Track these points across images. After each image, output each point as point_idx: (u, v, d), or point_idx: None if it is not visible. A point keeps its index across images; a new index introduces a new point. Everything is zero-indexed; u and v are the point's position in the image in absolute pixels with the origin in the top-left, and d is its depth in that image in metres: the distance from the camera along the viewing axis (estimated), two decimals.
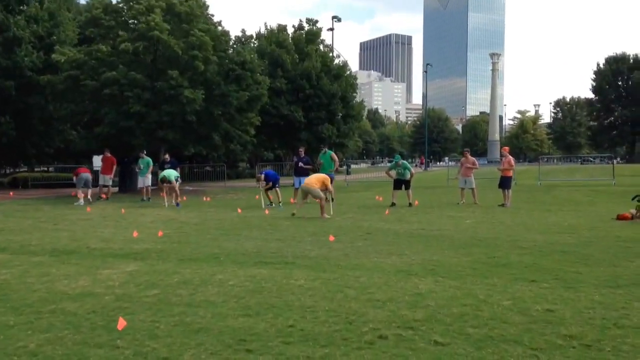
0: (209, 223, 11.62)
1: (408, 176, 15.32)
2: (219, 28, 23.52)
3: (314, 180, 12.69)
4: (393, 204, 15.12)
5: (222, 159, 43.07)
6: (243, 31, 28.96)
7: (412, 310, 4.72)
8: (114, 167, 19.31)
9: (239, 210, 13.76)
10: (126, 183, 23.09)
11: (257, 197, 16.40)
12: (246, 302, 5.02)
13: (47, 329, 4.21)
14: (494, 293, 5.31)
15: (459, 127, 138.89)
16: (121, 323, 4.13)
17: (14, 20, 24.23)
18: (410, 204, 15.08)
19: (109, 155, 19.11)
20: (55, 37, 25.25)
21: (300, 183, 16.84)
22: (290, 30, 36.74)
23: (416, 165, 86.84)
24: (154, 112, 19.99)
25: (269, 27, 37.93)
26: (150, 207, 15.79)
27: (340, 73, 34.73)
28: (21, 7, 25.91)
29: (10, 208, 15.95)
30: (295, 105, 32.64)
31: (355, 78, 36.85)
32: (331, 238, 8.71)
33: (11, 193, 22.31)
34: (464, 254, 7.58)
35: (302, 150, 17.53)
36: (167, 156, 18.18)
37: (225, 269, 6.59)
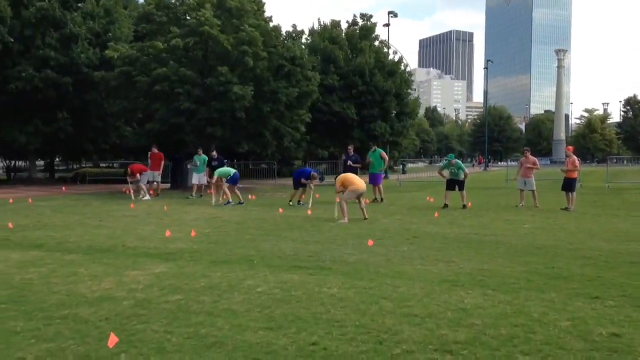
0: (250, 222, 11.36)
1: (462, 176, 14.61)
2: (270, 24, 23.34)
3: (340, 181, 12.13)
4: (445, 206, 14.45)
5: (277, 157, 43.10)
6: (294, 26, 28.57)
7: (453, 329, 4.21)
8: (162, 164, 19.44)
9: (280, 210, 13.43)
10: (177, 180, 23.30)
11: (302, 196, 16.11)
12: (270, 313, 4.64)
13: (53, 337, 3.96)
14: (551, 311, 4.71)
15: (522, 126, 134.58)
16: (112, 340, 3.79)
17: (71, 17, 24.89)
18: (464, 206, 14.38)
19: (156, 151, 19.25)
20: (110, 34, 25.78)
21: None
22: (344, 27, 36.35)
23: (473, 165, 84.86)
24: (203, 108, 20.00)
25: (322, 23, 37.71)
26: (197, 205, 15.73)
27: (394, 69, 34.01)
28: (78, 4, 26.59)
29: (61, 203, 16.27)
30: (348, 102, 32.18)
31: (410, 74, 36.01)
32: (370, 242, 8.20)
33: (64, 188, 22.90)
34: (519, 263, 6.95)
35: (351, 148, 17.07)
36: (214, 153, 18.13)
37: (257, 273, 6.24)
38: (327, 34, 35.08)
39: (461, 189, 14.66)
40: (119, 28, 26.34)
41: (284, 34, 23.42)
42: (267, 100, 21.08)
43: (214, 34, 19.55)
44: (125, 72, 20.32)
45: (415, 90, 38.19)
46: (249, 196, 17.70)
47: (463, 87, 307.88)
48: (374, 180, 16.63)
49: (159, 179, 19.36)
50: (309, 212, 13.30)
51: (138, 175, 17.54)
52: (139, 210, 14.18)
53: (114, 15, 27.43)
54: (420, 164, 66.09)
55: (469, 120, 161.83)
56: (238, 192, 15.91)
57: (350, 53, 34.07)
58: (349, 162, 16.71)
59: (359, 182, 11.84)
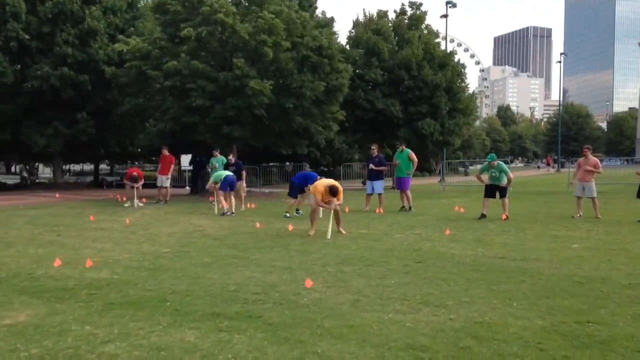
0: (230, 239, 9.72)
1: (504, 181, 12.42)
2: (303, 12, 21.67)
3: (314, 187, 10.22)
4: (482, 216, 12.34)
5: (327, 158, 41.36)
6: (323, 13, 26.83)
7: None
8: (172, 167, 18.19)
9: (257, 225, 11.46)
10: (197, 184, 22.05)
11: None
12: None
13: None
14: None
15: (604, 125, 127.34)
16: None
17: (89, 11, 24.18)
18: (506, 216, 12.23)
19: (167, 153, 18.00)
20: (133, 29, 24.94)
21: (372, 188, 14.61)
22: (392, 17, 34.34)
23: (539, 167, 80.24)
24: (219, 106, 18.60)
25: (367, 14, 35.86)
26: (198, 214, 14.26)
27: (445, 61, 31.64)
28: None
29: (45, 212, 15.05)
30: (393, 98, 30.16)
31: (464, 66, 33.49)
32: (308, 284, 6.02)
33: (57, 195, 21.84)
34: (541, 311, 4.98)
35: (374, 149, 15.16)
36: (231, 157, 16.61)
37: (145, 326, 4.56)
38: (372, 25, 33.23)
39: (503, 195, 12.49)
40: (142, 23, 25.42)
41: (313, 23, 21.61)
42: (290, 96, 19.43)
43: (229, 22, 18.10)
44: (136, 66, 19.21)
45: (468, 84, 35.58)
46: (248, 205, 15.96)
47: (540, 85, 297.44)
48: (401, 185, 14.69)
49: (168, 184, 18.09)
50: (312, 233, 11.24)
51: (126, 181, 16.41)
52: (127, 220, 12.82)
53: (139, 10, 26.62)
54: None
55: (545, 119, 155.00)
56: (232, 201, 14.26)
57: (396, 45, 32.01)
58: (372, 165, 14.82)
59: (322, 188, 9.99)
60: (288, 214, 13.14)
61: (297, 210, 13.52)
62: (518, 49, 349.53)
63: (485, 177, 13.12)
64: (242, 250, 8.40)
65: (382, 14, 34.57)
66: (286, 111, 19.51)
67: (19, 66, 25.03)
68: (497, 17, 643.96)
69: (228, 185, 13.90)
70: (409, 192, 14.56)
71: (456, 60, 33.43)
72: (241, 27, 18.40)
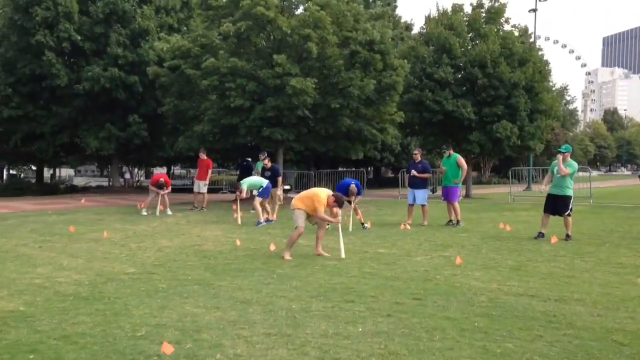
0: (222, 257, 8.54)
1: (566, 190, 10.41)
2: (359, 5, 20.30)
3: (301, 198, 8.66)
4: (540, 235, 10.43)
5: (384, 163, 39.51)
6: (373, 2, 25.20)
7: None
8: (210, 172, 17.31)
9: (272, 247, 10.21)
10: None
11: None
12: None
13: None
14: None
15: None
16: None
17: (141, 11, 24.00)
18: (567, 236, 10.26)
19: (204, 157, 17.16)
20: (186, 28, 24.56)
21: (414, 198, 13.05)
22: (468, 10, 32.15)
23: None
24: (259, 106, 17.59)
25: (441, 9, 33.81)
26: (220, 223, 13.24)
27: (526, 58, 29.08)
28: None
29: (64, 219, 14.56)
30: (464, 99, 28.02)
31: (547, 63, 30.76)
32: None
33: (83, 200, 21.45)
34: None
35: (417, 154, 13.49)
36: (266, 161, 15.45)
37: None
38: (445, 20, 31.26)
39: (562, 211, 10.44)
40: (194, 21, 24.98)
41: (367, 15, 20.15)
42: (337, 95, 18.08)
43: (270, 16, 17.05)
44: (174, 66, 18.58)
45: (553, 83, 32.69)
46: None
47: None
48: (448, 196, 12.97)
49: (205, 190, 17.21)
50: (287, 256, 9.73)
51: (152, 187, 15.60)
52: (143, 228, 11.99)
53: (194, 9, 26.20)
54: (595, 173, 58.05)
55: None
56: (268, 207, 13.29)
57: (469, 41, 29.85)
58: (413, 172, 13.20)
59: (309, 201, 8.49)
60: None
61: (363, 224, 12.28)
62: (630, 49, 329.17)
63: (546, 185, 11.09)
64: (217, 274, 7.19)
65: (458, 8, 32.47)
66: (333, 112, 18.18)
67: (75, 67, 25.31)
68: (606, 16, 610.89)
69: (264, 193, 13.05)
70: (456, 204, 12.81)
71: (540, 55, 30.78)
72: (283, 21, 17.31)
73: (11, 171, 60.01)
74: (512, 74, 27.93)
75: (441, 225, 12.86)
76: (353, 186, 11.84)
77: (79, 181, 54.48)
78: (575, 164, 10.46)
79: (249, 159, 21.54)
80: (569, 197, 10.39)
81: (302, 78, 17.08)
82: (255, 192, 13.83)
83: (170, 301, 5.73)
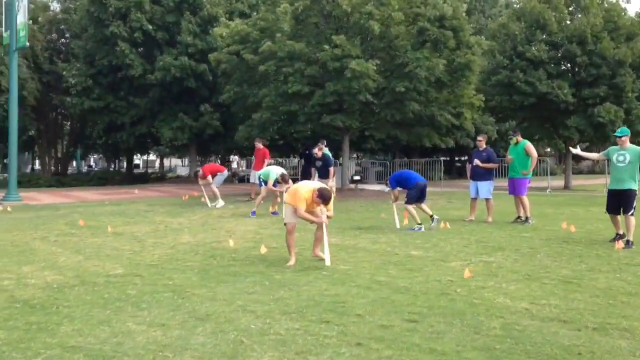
0: (225, 258, 7.78)
1: (632, 184, 8.68)
2: None
3: (289, 192, 7.50)
4: (618, 237, 8.76)
5: (470, 151, 37.05)
6: None
7: None
8: (266, 162, 16.67)
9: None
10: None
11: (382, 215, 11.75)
12: None
13: None
14: None
15: None
16: None
17: None
18: (627, 242, 8.49)
19: (260, 146, 16.53)
20: (256, 13, 24.04)
21: (476, 190, 11.71)
22: None
23: None
24: (319, 91, 16.71)
25: None
26: (259, 216, 12.57)
27: (634, 32, 26.08)
28: None
29: (111, 210, 14.43)
30: (560, 79, 25.58)
31: None
32: None
33: (136, 190, 21.35)
34: None
35: (482, 140, 12.00)
36: (316, 150, 14.56)
37: None
38: None
39: (627, 210, 8.59)
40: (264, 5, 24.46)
41: None
42: (402, 77, 16.80)
43: None
44: (233, 51, 18.09)
45: None
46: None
47: None
48: (515, 189, 11.46)
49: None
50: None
51: (209, 177, 15.04)
52: (181, 221, 11.56)
53: None
54: None
55: None
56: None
57: (568, 14, 27.21)
58: (477, 161, 11.79)
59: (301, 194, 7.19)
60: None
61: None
62: None
63: (597, 155, 9.48)
64: (205, 278, 6.42)
65: None
66: (399, 96, 16.93)
67: (150, 58, 25.66)
68: None
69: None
70: (525, 198, 11.27)
71: None
72: None
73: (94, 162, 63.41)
74: (617, 50, 25.15)
75: (508, 223, 11.41)
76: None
77: (183, 170, 55.66)
78: (637, 150, 8.65)
79: (311, 148, 20.82)
80: (631, 193, 8.56)
81: (363, 60, 16.00)
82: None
83: (118, 314, 5.02)
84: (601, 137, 27.34)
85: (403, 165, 27.17)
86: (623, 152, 8.56)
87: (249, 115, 19.22)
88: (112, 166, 56.53)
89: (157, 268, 7.01)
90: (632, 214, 8.46)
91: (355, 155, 47.34)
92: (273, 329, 4.55)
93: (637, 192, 8.55)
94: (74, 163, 56.86)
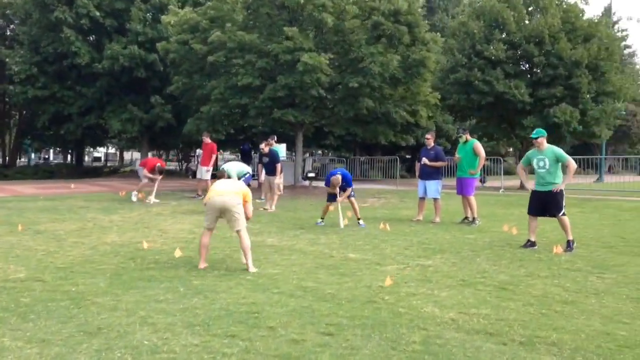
0: (147, 259, 7.27)
1: (558, 182, 8.28)
2: None
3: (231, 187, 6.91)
4: (529, 244, 8.43)
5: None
6: None
7: None
8: (214, 157, 16.14)
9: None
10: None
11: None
12: None
13: None
14: None
15: None
16: None
17: None
18: (568, 243, 8.30)
19: (208, 141, 15.93)
20: (210, 2, 23.36)
21: (424, 190, 11.45)
22: None
23: None
24: (270, 85, 16.23)
25: None
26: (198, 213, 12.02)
27: (591, 33, 26.30)
28: None
29: (42, 206, 13.77)
30: (518, 79, 25.63)
31: (619, 38, 27.82)
32: None
33: (72, 185, 20.29)
34: None
35: (430, 138, 11.67)
36: (263, 145, 14.02)
37: None
38: None
39: (555, 214, 8.25)
40: None
41: None
42: (356, 73, 16.44)
43: None
44: (181, 41, 17.46)
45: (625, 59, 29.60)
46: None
47: None
48: (463, 189, 11.22)
49: (208, 177, 16.05)
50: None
51: (145, 171, 14.52)
52: (114, 219, 10.95)
53: None
54: None
55: None
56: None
57: (526, 14, 27.29)
58: (425, 160, 11.51)
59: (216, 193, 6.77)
60: (321, 221, 10.64)
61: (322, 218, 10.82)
62: None
63: (524, 173, 9.45)
64: (114, 285, 5.90)
65: None
66: (352, 92, 16.57)
67: (98, 46, 24.72)
68: None
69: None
70: (472, 199, 11.04)
71: (609, 31, 27.85)
72: None
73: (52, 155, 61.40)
74: (573, 51, 25.31)
75: (455, 223, 11.17)
76: (336, 177, 10.32)
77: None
78: (559, 150, 8.31)
79: (249, 144, 20.42)
80: (556, 196, 8.25)
81: (316, 53, 15.59)
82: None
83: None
84: (556, 138, 27.44)
85: (363, 163, 26.87)
86: (542, 157, 8.27)
87: (198, 108, 18.60)
88: (70, 159, 54.85)
89: (66, 272, 6.46)
90: (563, 214, 8.24)
91: (311, 153, 47.00)
92: (168, 345, 4.10)
93: (563, 191, 8.33)
94: (28, 156, 55.05)
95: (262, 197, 14.30)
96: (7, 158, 37.44)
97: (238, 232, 6.67)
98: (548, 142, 8.70)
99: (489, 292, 5.79)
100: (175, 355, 3.92)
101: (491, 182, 23.99)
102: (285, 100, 16.55)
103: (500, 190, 18.57)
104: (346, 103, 17.01)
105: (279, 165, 13.67)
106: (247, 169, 12.59)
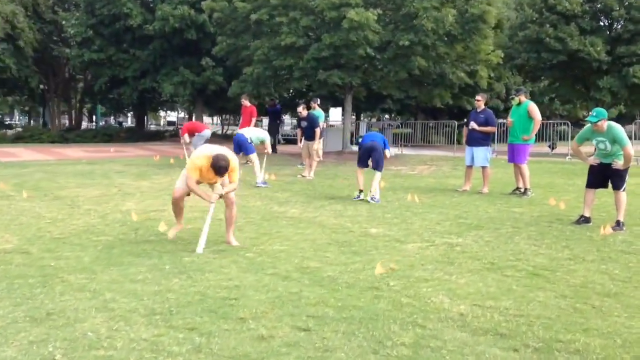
0: (138, 233, 6.85)
1: (620, 161, 7.14)
2: None
3: (190, 159, 6.19)
4: (582, 219, 7.45)
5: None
6: None
7: None
8: (253, 120, 15.60)
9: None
10: (276, 139, 19.17)
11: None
12: None
13: None
14: None
15: None
16: None
17: None
18: (617, 223, 7.22)
19: (247, 104, 15.38)
20: None
21: (472, 157, 10.54)
22: None
23: None
24: (315, 44, 15.46)
25: None
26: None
27: None
28: None
29: (80, 170, 13.66)
30: (594, 35, 23.69)
31: None
32: None
33: (112, 149, 20.34)
34: None
35: (480, 100, 10.62)
36: (300, 108, 13.27)
37: None
38: None
39: (618, 187, 7.28)
40: None
41: None
42: (407, 30, 15.39)
43: None
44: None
45: None
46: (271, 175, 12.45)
47: None
48: (514, 156, 10.21)
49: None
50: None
51: (186, 136, 14.08)
52: (144, 184, 10.70)
53: None
54: None
55: None
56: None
57: None
58: (472, 124, 10.53)
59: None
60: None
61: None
62: None
63: (586, 151, 8.20)
64: (100, 259, 5.49)
65: None
66: (403, 51, 15.56)
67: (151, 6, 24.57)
68: None
69: (237, 147, 11.05)
70: (524, 168, 10.03)
71: None
72: None
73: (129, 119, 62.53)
74: None
75: (504, 195, 10.21)
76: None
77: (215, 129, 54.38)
78: (619, 129, 7.13)
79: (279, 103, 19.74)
80: (620, 171, 7.25)
81: (363, 9, 14.66)
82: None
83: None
84: (636, 100, 25.43)
85: (424, 127, 25.72)
86: (602, 139, 7.19)
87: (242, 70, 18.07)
88: (146, 122, 55.83)
89: (58, 243, 6.10)
90: (624, 189, 7.22)
91: (374, 117, 45.87)
92: (111, 339, 3.58)
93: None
94: (94, 118, 56.49)
95: (302, 162, 13.73)
96: (72, 121, 38.47)
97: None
98: (627, 106, 7.62)
99: (517, 280, 4.99)
100: (114, 352, 3.39)
101: (561, 147, 22.39)
102: (331, 60, 15.73)
103: (567, 157, 17.18)
104: (397, 63, 16.00)
105: (318, 130, 12.97)
106: (263, 134, 11.88)
